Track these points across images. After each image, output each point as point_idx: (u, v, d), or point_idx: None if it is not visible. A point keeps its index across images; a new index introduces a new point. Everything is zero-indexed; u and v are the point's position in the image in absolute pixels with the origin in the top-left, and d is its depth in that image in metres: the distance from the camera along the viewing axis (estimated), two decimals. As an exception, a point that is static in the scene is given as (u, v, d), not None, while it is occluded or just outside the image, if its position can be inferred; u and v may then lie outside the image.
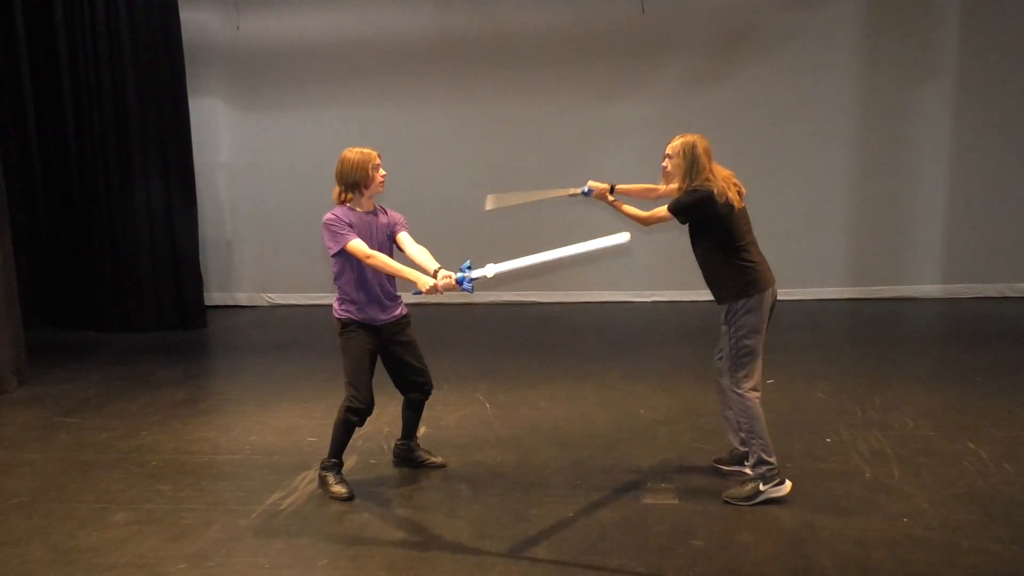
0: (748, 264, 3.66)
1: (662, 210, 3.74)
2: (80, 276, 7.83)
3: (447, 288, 3.50)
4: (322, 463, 3.89)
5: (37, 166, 7.83)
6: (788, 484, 3.67)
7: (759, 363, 3.67)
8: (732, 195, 3.64)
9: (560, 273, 8.58)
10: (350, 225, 3.66)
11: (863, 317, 7.73)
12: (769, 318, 3.72)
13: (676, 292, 8.48)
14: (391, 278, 3.79)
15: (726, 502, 3.62)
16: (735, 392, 3.69)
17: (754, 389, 3.66)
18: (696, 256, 3.79)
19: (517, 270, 3.51)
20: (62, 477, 4.11)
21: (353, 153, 3.74)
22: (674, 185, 3.77)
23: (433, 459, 4.18)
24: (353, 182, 3.73)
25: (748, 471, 3.80)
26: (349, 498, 3.77)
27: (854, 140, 8.20)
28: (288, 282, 8.79)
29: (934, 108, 8.05)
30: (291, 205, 8.68)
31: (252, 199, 8.84)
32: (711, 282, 3.74)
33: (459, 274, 3.47)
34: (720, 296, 3.72)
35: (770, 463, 3.62)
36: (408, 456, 4.17)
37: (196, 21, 8.29)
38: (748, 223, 3.75)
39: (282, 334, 7.56)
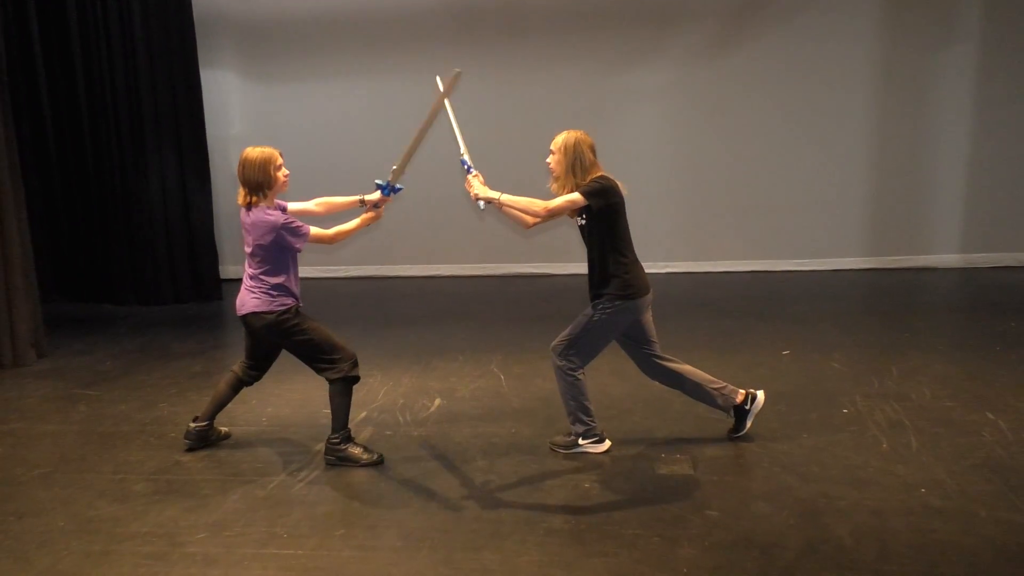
0: (634, 265, 3.77)
1: (562, 199, 3.66)
2: (96, 250, 7.87)
3: (383, 202, 3.94)
4: (335, 440, 3.84)
5: (51, 140, 7.83)
6: (607, 443, 3.94)
7: (594, 356, 3.91)
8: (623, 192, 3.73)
9: (574, 244, 8.54)
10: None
11: (880, 287, 7.66)
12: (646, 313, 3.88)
13: (691, 263, 8.43)
14: None
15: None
16: (560, 365, 3.85)
17: (579, 368, 3.85)
18: (589, 250, 3.81)
19: (411, 153, 3.82)
20: (82, 448, 4.16)
21: (255, 153, 3.72)
22: (564, 189, 3.72)
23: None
24: (257, 183, 3.72)
25: (756, 405, 3.97)
26: (381, 460, 3.85)
27: (872, 107, 8.06)
28: (301, 255, 8.78)
29: (955, 74, 7.88)
30: (304, 177, 8.58)
31: (265, 172, 8.81)
32: (599, 279, 3.77)
33: (380, 190, 3.91)
34: (601, 293, 3.76)
35: (588, 423, 3.89)
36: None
37: (206, -9, 8.22)
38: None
39: (297, 307, 7.57)
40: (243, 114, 8.71)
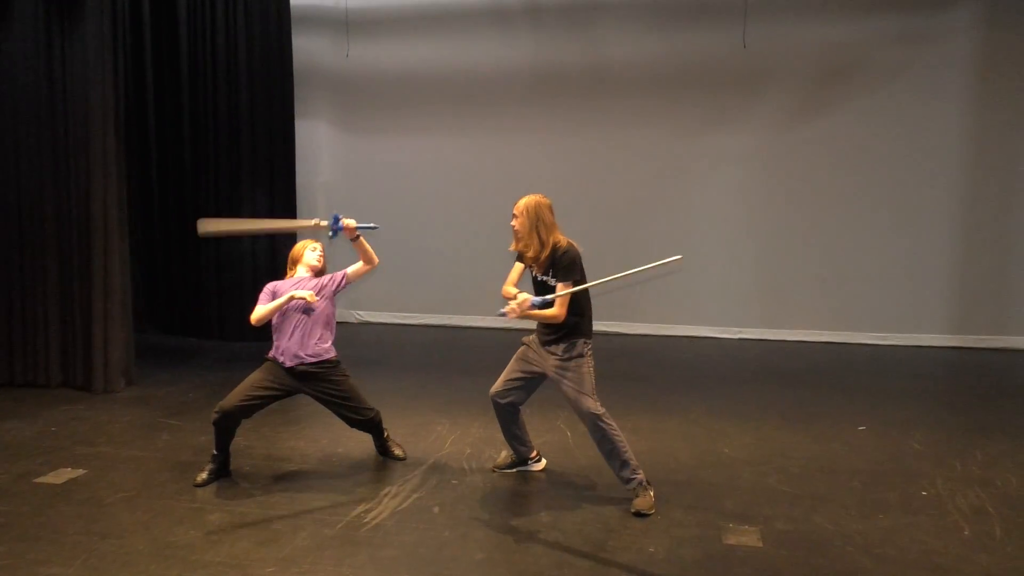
0: (587, 312, 4.03)
1: (565, 296, 3.85)
2: (187, 284, 8.25)
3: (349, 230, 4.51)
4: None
5: (154, 178, 8.32)
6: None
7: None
8: None
9: (645, 305, 8.53)
10: (273, 293, 4.53)
11: (966, 366, 7.38)
12: None
13: (765, 330, 8.31)
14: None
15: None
16: (601, 424, 3.94)
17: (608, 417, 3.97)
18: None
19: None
20: (163, 475, 4.34)
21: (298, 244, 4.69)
22: (528, 252, 3.98)
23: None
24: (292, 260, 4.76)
25: (534, 469, 4.42)
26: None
27: (962, 181, 7.89)
28: (377, 301, 9.02)
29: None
30: (383, 226, 8.94)
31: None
32: (560, 328, 3.96)
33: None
34: (566, 337, 3.97)
35: (638, 473, 3.97)
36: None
37: (308, 47, 8.71)
38: None
39: (369, 351, 7.75)
40: (331, 163, 9.11)
